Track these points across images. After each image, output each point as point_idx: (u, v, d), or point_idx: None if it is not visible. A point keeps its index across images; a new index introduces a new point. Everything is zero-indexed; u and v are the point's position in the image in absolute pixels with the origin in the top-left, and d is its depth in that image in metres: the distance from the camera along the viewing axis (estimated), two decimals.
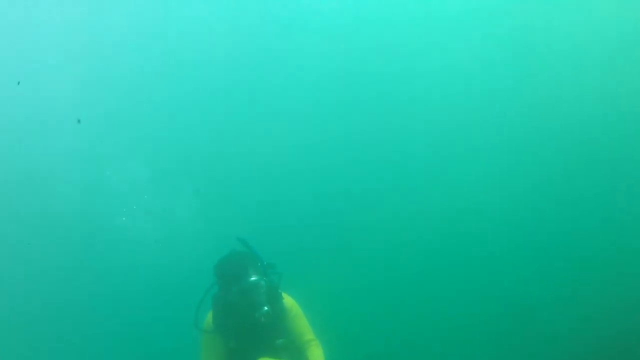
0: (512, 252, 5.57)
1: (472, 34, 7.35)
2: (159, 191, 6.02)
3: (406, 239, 6.28)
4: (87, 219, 6.13)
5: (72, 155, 6.37)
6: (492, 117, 6.97)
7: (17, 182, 6.09)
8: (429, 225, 6.24)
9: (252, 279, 3.26)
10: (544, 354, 4.76)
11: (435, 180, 6.67)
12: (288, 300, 3.55)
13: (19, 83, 5.83)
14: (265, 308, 3.23)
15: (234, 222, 5.37)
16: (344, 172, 7.11)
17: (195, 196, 5.96)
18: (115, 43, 6.72)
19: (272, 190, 6.90)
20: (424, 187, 6.61)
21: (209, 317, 3.46)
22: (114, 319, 5.86)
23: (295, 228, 6.34)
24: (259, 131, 7.04)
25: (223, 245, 3.60)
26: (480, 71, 7.26)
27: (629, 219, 5.67)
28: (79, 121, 5.81)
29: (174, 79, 7.01)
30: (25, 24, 6.40)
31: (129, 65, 6.69)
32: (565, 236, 5.68)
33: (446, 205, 6.37)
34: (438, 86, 7.14)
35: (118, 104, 6.70)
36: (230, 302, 3.28)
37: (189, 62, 7.00)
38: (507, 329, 4.84)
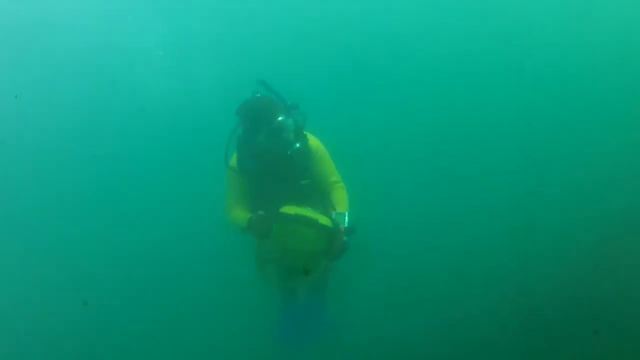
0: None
1: None
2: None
3: None
4: None
5: None
6: None
7: None
8: None
9: (280, 118, 3.18)
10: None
11: None
12: (313, 141, 3.44)
13: None
14: (297, 145, 3.19)
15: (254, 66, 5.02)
16: None
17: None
18: None
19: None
20: None
21: (233, 159, 3.43)
22: None
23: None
24: None
25: (244, 89, 3.45)
26: None
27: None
28: None
29: None
30: None
31: None
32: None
33: None
34: None
35: None
36: (260, 142, 3.22)
37: None
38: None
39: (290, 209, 3.04)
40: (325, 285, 3.99)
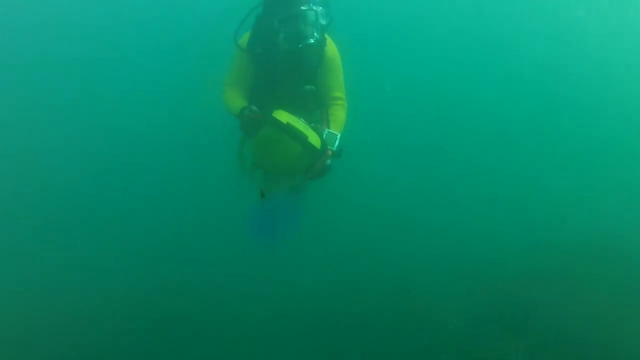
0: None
1: None
2: None
3: None
4: None
5: None
6: None
7: None
8: None
9: (303, 7, 2.94)
10: None
11: None
12: (331, 48, 3.19)
13: None
14: (312, 40, 2.95)
15: None
16: None
17: None
18: None
19: None
20: None
21: (245, 36, 3.19)
22: None
23: None
24: None
25: None
26: None
27: None
28: None
29: None
30: None
31: None
32: None
33: None
34: None
35: None
36: (273, 26, 2.99)
37: None
38: None
39: (283, 115, 2.88)
40: (303, 185, 3.87)
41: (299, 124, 2.89)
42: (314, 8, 2.97)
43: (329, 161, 2.94)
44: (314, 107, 3.20)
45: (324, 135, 2.98)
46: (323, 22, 3.07)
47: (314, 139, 2.90)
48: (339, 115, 3.19)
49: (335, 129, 3.11)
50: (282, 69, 3.09)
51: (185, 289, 4.25)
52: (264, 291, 4.19)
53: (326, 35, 3.15)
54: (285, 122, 2.82)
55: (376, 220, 4.77)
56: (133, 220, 4.77)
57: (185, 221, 4.83)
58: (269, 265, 4.32)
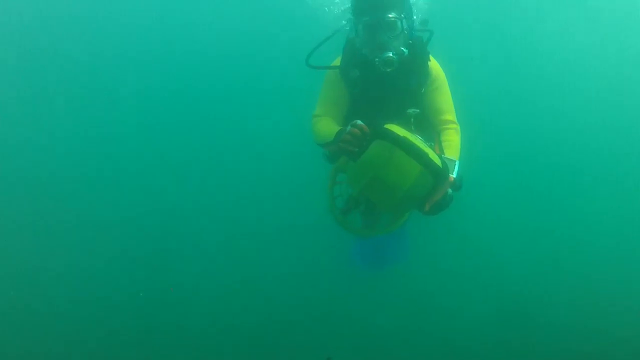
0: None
1: None
2: None
3: None
4: None
5: None
6: None
7: None
8: None
9: (390, 15, 2.50)
10: None
11: None
12: (435, 65, 2.74)
13: None
14: (391, 54, 2.49)
15: None
16: None
17: None
18: None
19: None
20: None
21: (337, 60, 2.85)
22: None
23: None
24: None
25: None
26: None
27: None
28: None
29: None
30: None
31: None
32: None
33: None
34: None
35: None
36: (356, 38, 2.64)
37: None
38: None
39: (398, 129, 2.28)
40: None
41: (417, 140, 2.31)
42: (403, 17, 2.55)
43: (450, 191, 2.33)
44: (422, 135, 2.72)
45: (442, 160, 2.38)
46: (420, 39, 2.69)
47: (435, 157, 2.29)
48: (453, 140, 2.69)
49: (452, 156, 2.58)
50: (380, 90, 2.68)
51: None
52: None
53: (429, 52, 2.74)
54: (402, 135, 2.22)
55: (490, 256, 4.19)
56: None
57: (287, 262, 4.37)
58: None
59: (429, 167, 2.22)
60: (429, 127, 2.75)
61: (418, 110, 2.66)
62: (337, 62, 2.82)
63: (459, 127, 2.74)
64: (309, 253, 4.22)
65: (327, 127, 2.70)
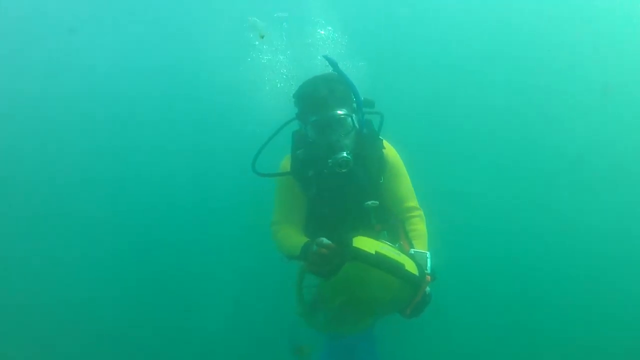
0: None
1: None
2: None
3: None
4: None
5: None
6: None
7: None
8: None
9: (339, 112, 2.40)
10: None
11: None
12: (390, 152, 2.66)
13: None
14: (344, 154, 2.38)
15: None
16: None
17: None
18: None
19: None
20: None
21: (285, 160, 2.72)
22: None
23: None
24: None
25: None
26: None
27: None
28: None
29: None
30: None
31: None
32: None
33: None
34: None
35: None
36: (306, 137, 2.53)
37: None
38: None
39: (366, 243, 2.16)
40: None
41: (389, 250, 2.19)
42: (354, 114, 2.46)
43: (428, 289, 2.23)
44: (380, 225, 2.64)
45: (413, 257, 2.28)
46: (371, 126, 2.60)
47: (410, 266, 2.19)
48: (420, 229, 2.58)
49: (421, 247, 2.47)
50: (337, 188, 2.62)
51: None
52: None
53: (381, 140, 2.65)
54: (374, 254, 2.11)
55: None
56: None
57: None
58: None
59: (408, 280, 2.13)
60: (389, 216, 2.66)
61: (377, 202, 2.58)
62: (285, 163, 2.70)
63: (422, 212, 2.63)
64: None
65: (290, 238, 2.56)
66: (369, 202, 2.55)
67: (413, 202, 2.63)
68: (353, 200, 2.59)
